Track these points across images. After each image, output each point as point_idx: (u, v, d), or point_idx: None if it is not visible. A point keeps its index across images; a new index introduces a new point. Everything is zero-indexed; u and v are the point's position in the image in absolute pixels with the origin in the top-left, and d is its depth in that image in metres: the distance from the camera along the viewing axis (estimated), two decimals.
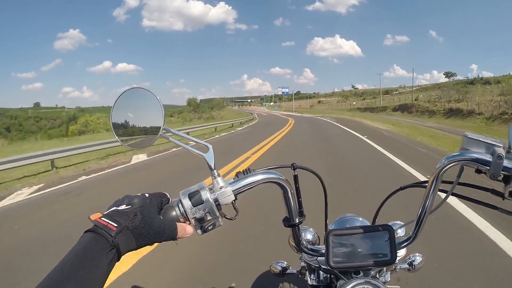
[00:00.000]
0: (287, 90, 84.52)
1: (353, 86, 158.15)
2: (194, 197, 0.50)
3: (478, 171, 0.53)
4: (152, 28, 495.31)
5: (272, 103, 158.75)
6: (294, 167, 0.63)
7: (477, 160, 0.52)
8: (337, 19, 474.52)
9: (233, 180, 0.56)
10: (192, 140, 0.58)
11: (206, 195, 0.51)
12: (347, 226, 0.76)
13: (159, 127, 0.52)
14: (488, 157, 0.51)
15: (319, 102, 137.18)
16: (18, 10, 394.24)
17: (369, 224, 0.76)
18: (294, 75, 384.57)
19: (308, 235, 0.82)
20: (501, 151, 0.50)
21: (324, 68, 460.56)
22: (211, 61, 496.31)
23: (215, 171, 0.53)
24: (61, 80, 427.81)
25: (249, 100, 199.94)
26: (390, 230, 0.62)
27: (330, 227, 0.78)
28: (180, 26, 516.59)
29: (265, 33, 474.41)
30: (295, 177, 0.63)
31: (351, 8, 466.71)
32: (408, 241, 0.66)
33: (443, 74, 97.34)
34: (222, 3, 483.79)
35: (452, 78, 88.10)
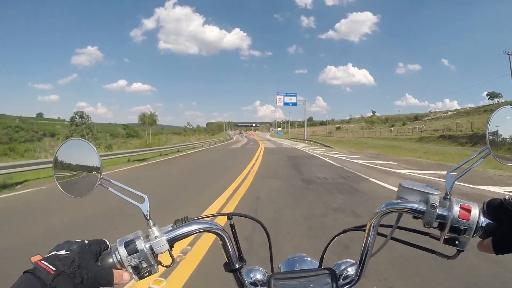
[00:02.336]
0: (293, 99, 50.73)
1: (373, 112, 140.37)
2: (129, 246, 0.52)
3: (415, 217, 0.55)
4: (168, 51, 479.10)
5: (279, 129, 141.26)
6: (229, 216, 0.64)
7: (412, 209, 0.54)
8: (349, 47, 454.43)
9: (170, 228, 0.57)
10: (128, 190, 0.57)
11: (140, 244, 0.52)
12: (297, 266, 0.79)
13: (97, 178, 0.54)
14: (423, 206, 0.53)
15: (337, 128, 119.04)
16: (39, 22, 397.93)
17: (317, 265, 0.78)
18: (307, 103, 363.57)
19: (257, 275, 0.79)
20: (435, 200, 0.52)
21: (337, 97, 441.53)
22: (224, 85, 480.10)
23: (150, 221, 0.55)
24: (76, 95, 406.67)
25: (253, 125, 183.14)
26: (332, 273, 0.62)
27: (280, 266, 0.80)
28: (195, 50, 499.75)
29: (278, 60, 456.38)
30: (232, 226, 0.65)
31: (364, 37, 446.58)
32: (351, 284, 0.66)
33: (486, 95, 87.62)
34: (237, 29, 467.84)
35: (496, 100, 77.56)
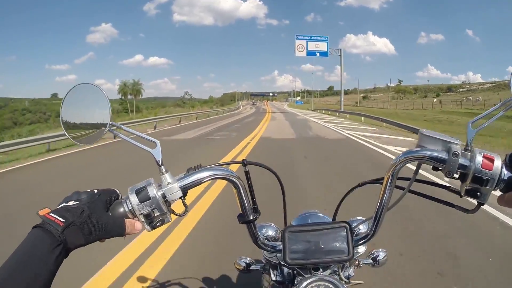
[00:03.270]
0: (321, 47, 31.09)
1: (399, 81, 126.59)
2: (141, 193, 0.50)
3: (435, 169, 0.53)
4: (183, 23, 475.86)
5: (298, 98, 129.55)
6: (244, 163, 0.62)
7: (432, 158, 0.51)
8: (370, 15, 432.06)
9: (183, 175, 0.56)
10: (140, 136, 0.56)
11: (152, 191, 0.51)
12: (309, 221, 0.77)
13: (106, 122, 0.52)
14: (444, 155, 0.51)
15: (364, 98, 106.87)
16: (52, 5, 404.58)
17: (330, 220, 0.76)
18: (326, 72, 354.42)
19: (269, 231, 0.81)
20: (457, 148, 0.50)
21: (356, 66, 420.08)
22: (241, 56, 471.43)
23: (162, 167, 0.53)
24: (94, 73, 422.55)
25: (271, 94, 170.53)
26: (347, 226, 0.62)
27: (292, 222, 0.78)
28: (210, 20, 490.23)
29: (296, 29, 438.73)
30: (247, 173, 0.62)
31: (384, 4, 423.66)
32: (367, 238, 0.66)
33: None
34: None
35: None
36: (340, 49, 33.40)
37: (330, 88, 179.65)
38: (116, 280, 2.12)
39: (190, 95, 69.25)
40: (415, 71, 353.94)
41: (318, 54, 31.56)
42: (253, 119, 21.78)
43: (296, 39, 31.09)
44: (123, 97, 52.11)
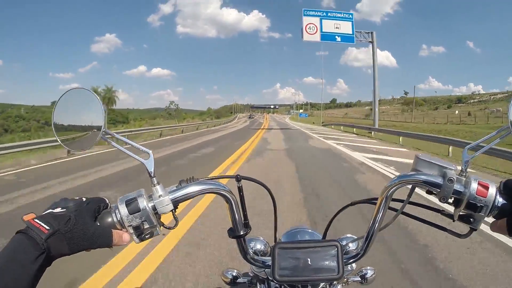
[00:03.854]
0: (344, 27, 19.70)
1: (405, 93, 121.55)
2: (131, 204, 0.49)
3: (429, 192, 0.54)
4: (186, 35, 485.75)
5: (300, 111, 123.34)
6: (238, 178, 0.62)
7: (427, 182, 0.52)
8: (371, 28, 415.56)
9: (175, 188, 0.55)
10: (133, 146, 0.55)
11: (143, 203, 0.50)
12: (298, 237, 0.78)
13: (100, 130, 0.50)
14: (439, 180, 0.51)
15: (370, 110, 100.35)
16: (58, 14, 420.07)
17: (320, 237, 0.78)
18: (328, 85, 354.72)
19: (258, 245, 0.81)
20: (452, 174, 0.51)
21: (358, 79, 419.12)
22: (244, 68, 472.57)
23: (154, 178, 0.52)
24: (97, 82, 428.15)
25: (272, 107, 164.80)
26: (338, 245, 0.61)
27: (281, 238, 0.79)
28: (213, 33, 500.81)
29: (298, 42, 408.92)
30: (240, 189, 0.62)
31: (386, 17, 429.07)
32: (357, 257, 0.66)
33: None
34: (255, 11, 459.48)
35: None
36: (372, 32, 21.19)
37: (333, 100, 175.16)
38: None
39: (177, 105, 62.81)
40: (417, 83, 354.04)
41: (338, 39, 19.90)
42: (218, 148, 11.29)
43: (304, 15, 19.83)
44: None
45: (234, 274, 0.89)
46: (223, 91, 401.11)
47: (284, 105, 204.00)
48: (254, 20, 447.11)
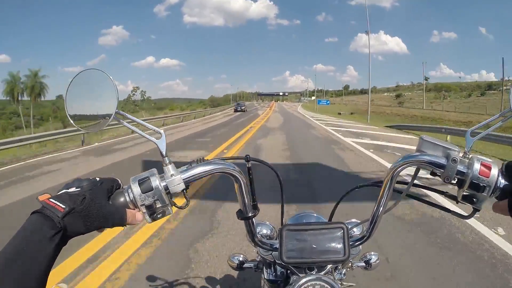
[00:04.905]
0: None
1: (426, 78, 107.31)
2: (144, 183, 0.49)
3: (433, 174, 0.54)
4: (193, 24, 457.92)
5: (312, 98, 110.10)
6: (247, 159, 0.61)
7: (431, 163, 0.53)
8: (381, 14, 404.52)
9: (186, 168, 0.55)
10: (145, 126, 0.55)
11: (155, 182, 0.50)
12: (304, 221, 0.78)
13: (113, 110, 0.50)
14: (443, 161, 0.52)
15: (398, 97, 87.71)
16: (64, 9, 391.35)
17: (326, 221, 0.77)
18: (337, 72, 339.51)
19: (265, 230, 0.82)
20: (455, 154, 0.51)
21: (368, 65, 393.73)
22: (253, 56, 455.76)
23: (166, 158, 0.52)
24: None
25: (281, 94, 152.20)
26: (344, 227, 0.62)
27: (288, 222, 0.78)
28: (221, 22, 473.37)
29: (307, 29, 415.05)
30: (249, 169, 0.61)
31: (396, 2, 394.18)
32: (362, 240, 0.67)
33: None
34: None
35: None
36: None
37: (346, 87, 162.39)
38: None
39: (144, 92, 50.55)
40: (428, 70, 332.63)
41: None
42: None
43: None
44: (12, 99, 32.40)
45: (240, 259, 0.88)
46: (232, 80, 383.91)
47: (294, 93, 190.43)
48: (261, 7, 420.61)
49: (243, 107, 33.80)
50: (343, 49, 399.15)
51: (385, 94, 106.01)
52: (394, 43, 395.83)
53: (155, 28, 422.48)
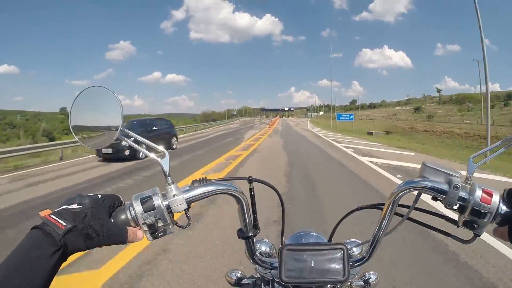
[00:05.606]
0: None
1: (438, 90, 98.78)
2: (146, 202, 0.50)
3: (435, 199, 0.55)
4: (199, 40, 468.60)
5: (320, 113, 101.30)
6: (250, 180, 0.62)
7: (433, 189, 0.53)
8: (385, 29, 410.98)
9: (188, 188, 0.55)
10: (149, 145, 0.55)
11: (158, 201, 0.50)
12: (303, 241, 0.79)
13: (117, 128, 0.50)
14: (445, 187, 0.53)
15: (417, 110, 78.69)
16: (73, 23, 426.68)
17: (325, 241, 0.78)
18: (342, 88, 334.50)
19: (264, 247, 0.83)
20: (457, 181, 0.52)
21: (373, 81, 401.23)
22: (258, 72, 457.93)
23: (169, 178, 0.53)
24: (113, 88, 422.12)
25: (286, 109, 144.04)
26: (344, 248, 0.62)
27: (286, 241, 0.79)
28: (226, 38, 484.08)
29: (312, 45, 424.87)
30: (251, 190, 0.63)
31: (400, 17, 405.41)
32: (362, 261, 0.67)
33: None
34: (268, 15, 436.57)
35: None
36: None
37: (353, 101, 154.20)
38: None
39: None
40: (433, 83, 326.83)
41: None
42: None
43: None
44: None
45: (238, 275, 0.88)
46: (238, 96, 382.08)
47: (299, 108, 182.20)
48: (267, 24, 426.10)
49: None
50: (348, 64, 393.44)
51: (397, 108, 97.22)
52: (399, 58, 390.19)
53: (161, 43, 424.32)
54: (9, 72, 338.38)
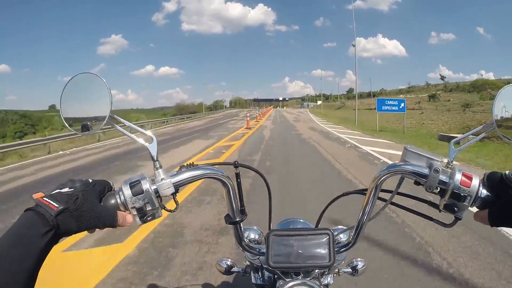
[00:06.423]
0: None
1: (442, 77, 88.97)
2: (135, 186, 0.51)
3: (417, 183, 0.56)
4: (192, 32, 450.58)
5: (318, 103, 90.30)
6: (236, 165, 0.64)
7: (414, 173, 0.54)
8: (379, 17, 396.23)
9: (176, 172, 0.56)
10: (137, 130, 0.57)
11: (146, 185, 0.51)
12: (290, 227, 0.79)
13: (106, 114, 0.51)
14: (426, 171, 0.54)
15: (431, 97, 67.79)
16: (62, 18, 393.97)
17: (312, 227, 0.79)
18: (337, 77, 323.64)
19: (252, 234, 0.83)
20: (438, 165, 0.53)
21: (367, 69, 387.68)
22: (252, 63, 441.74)
23: (157, 162, 0.53)
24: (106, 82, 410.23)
25: (280, 99, 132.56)
26: (329, 233, 0.63)
27: (275, 227, 0.79)
28: (219, 29, 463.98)
29: (305, 34, 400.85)
30: (237, 175, 0.64)
31: (393, 5, 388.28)
32: (348, 246, 0.69)
33: None
34: (261, 5, 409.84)
35: None
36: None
37: (350, 90, 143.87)
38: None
39: None
40: (427, 72, 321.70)
41: None
42: None
43: None
44: None
45: (228, 263, 0.89)
46: (232, 87, 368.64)
47: (293, 98, 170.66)
48: (259, 13, 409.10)
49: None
50: (342, 54, 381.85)
51: (401, 96, 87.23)
52: (393, 46, 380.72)
53: (154, 36, 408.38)
54: (0, 72, 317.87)
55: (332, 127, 16.79)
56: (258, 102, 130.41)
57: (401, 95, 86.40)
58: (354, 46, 18.52)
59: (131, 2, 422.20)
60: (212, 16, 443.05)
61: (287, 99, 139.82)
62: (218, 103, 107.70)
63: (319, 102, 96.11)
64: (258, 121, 22.39)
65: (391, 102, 14.96)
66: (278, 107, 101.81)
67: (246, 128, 16.29)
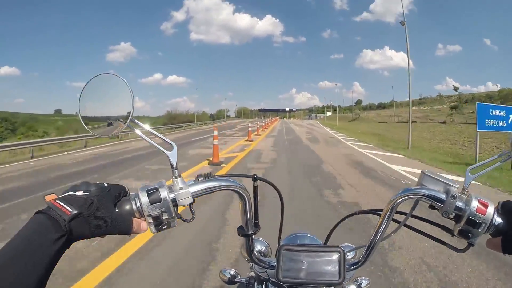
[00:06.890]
0: None
1: (455, 88, 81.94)
2: (153, 194, 0.49)
3: (432, 207, 0.56)
4: (200, 42, 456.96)
5: (328, 114, 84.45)
6: (254, 178, 0.64)
7: (431, 197, 0.54)
8: (386, 29, 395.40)
9: (193, 182, 0.55)
10: (158, 136, 0.55)
11: (164, 193, 0.50)
12: (298, 242, 0.80)
13: (128, 116, 0.49)
14: (442, 196, 0.54)
15: (453, 109, 61.16)
16: (73, 25, 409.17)
17: (321, 243, 0.80)
18: (343, 89, 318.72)
19: (259, 246, 0.84)
20: (455, 191, 0.53)
21: (374, 81, 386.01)
22: (259, 74, 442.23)
23: (176, 170, 0.52)
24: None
25: (287, 110, 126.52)
26: (341, 251, 0.63)
27: (283, 242, 0.80)
28: (227, 39, 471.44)
29: (312, 46, 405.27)
30: (255, 188, 0.64)
31: (400, 17, 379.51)
32: (358, 265, 0.68)
33: None
34: (268, 16, 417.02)
35: None
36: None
37: (359, 102, 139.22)
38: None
39: None
40: (434, 84, 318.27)
41: None
42: None
43: None
44: None
45: (232, 273, 0.89)
46: (238, 98, 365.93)
47: (301, 109, 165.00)
48: (267, 25, 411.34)
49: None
50: (349, 65, 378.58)
51: (414, 107, 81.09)
52: (400, 58, 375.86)
53: (162, 45, 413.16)
54: (10, 74, 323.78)
55: (378, 154, 10.48)
56: (264, 112, 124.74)
57: (414, 107, 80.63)
58: (403, 24, 13.23)
59: (141, 11, 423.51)
60: (221, 26, 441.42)
61: (294, 110, 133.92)
62: (221, 113, 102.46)
63: (328, 114, 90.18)
64: (248, 142, 14.01)
65: (498, 112, 8.27)
66: (284, 118, 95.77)
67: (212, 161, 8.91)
